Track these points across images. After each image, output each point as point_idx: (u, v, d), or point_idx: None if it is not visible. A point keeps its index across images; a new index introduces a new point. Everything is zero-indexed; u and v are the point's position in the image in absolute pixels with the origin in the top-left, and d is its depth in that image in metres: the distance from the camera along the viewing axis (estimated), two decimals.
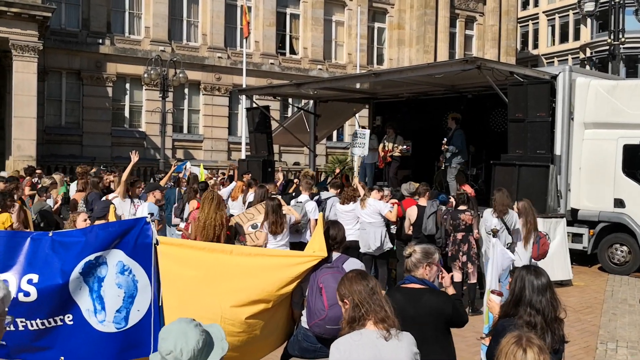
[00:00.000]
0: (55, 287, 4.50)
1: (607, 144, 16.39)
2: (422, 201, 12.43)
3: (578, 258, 17.05)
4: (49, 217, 13.35)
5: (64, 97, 35.12)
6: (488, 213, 12.32)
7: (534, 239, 11.23)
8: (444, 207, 13.12)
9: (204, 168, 26.22)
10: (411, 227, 12.40)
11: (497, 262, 7.64)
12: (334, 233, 6.02)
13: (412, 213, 12.31)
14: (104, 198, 12.71)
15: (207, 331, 3.57)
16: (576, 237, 16.88)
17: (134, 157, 13.08)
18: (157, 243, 4.81)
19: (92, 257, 4.60)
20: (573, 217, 16.82)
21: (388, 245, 12.83)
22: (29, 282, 4.46)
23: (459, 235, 12.27)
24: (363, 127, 22.95)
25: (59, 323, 4.59)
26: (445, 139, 18.21)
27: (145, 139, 36.42)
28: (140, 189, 13.25)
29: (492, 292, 5.93)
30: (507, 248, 11.71)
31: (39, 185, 16.07)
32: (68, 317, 4.60)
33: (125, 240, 4.72)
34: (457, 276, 12.55)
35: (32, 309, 4.46)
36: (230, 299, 5.05)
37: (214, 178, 23.36)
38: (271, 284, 5.24)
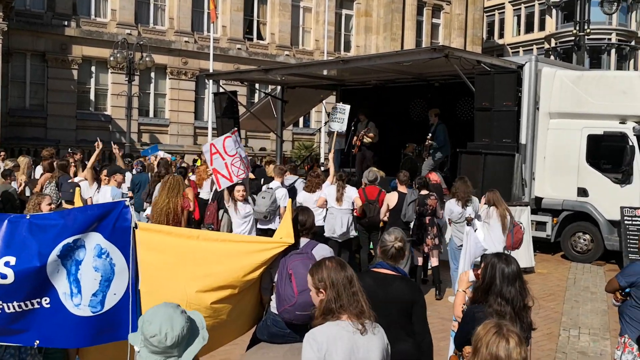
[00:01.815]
0: (33, 270, 4.47)
1: (572, 133, 16.65)
2: (402, 188, 12.51)
3: (541, 246, 17.31)
4: (13, 200, 13.23)
5: (28, 79, 34.61)
6: (452, 203, 12.48)
7: (509, 228, 11.39)
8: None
9: (169, 153, 26.08)
10: (387, 213, 12.47)
11: (470, 250, 7.76)
12: (303, 219, 6.05)
13: (391, 199, 12.38)
14: (69, 181, 12.66)
15: (192, 319, 3.62)
16: (540, 225, 17.13)
17: (98, 147, 13.04)
18: (135, 227, 4.82)
19: (70, 240, 4.58)
20: (537, 206, 17.08)
21: (353, 232, 12.87)
22: (6, 264, 4.41)
23: (426, 220, 12.43)
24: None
25: (36, 306, 4.56)
26: (430, 134, 18.29)
27: (110, 122, 36.07)
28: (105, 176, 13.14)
29: (473, 269, 6.00)
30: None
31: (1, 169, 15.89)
32: (45, 300, 4.57)
33: (104, 224, 4.70)
34: (420, 261, 12.75)
35: (9, 292, 4.43)
36: (195, 284, 5.05)
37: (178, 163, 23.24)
38: (237, 270, 5.24)
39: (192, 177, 16.22)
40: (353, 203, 12.62)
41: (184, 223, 10.56)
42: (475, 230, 11.60)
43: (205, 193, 14.96)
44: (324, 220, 12.76)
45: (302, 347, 4.13)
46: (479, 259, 11.88)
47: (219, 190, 11.80)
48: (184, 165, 18.42)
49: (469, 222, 9.29)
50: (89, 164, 13.37)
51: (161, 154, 23.95)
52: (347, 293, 4.16)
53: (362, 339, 4.09)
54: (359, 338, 4.08)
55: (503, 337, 3.45)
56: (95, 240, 4.68)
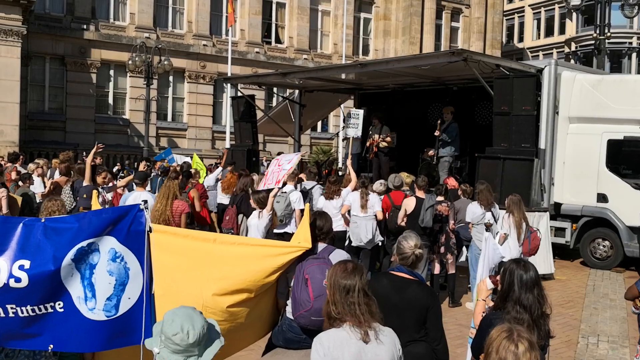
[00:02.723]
0: (47, 274, 4.45)
1: (592, 138, 16.48)
2: (420, 193, 12.41)
3: (560, 252, 17.16)
4: (31, 203, 13.30)
5: (47, 83, 34.90)
6: (475, 205, 12.38)
7: (525, 234, 11.28)
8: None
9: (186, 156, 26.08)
10: (405, 219, 12.38)
11: (488, 256, 7.67)
12: (320, 224, 6.00)
13: (409, 204, 12.28)
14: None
15: (209, 322, 3.62)
16: (559, 231, 16.98)
17: (97, 147, 13.08)
18: (150, 230, 4.79)
19: (84, 243, 4.56)
20: (556, 211, 16.92)
21: (379, 238, 12.81)
22: (21, 267, 4.40)
23: (436, 227, 12.31)
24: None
25: (50, 310, 4.54)
26: (439, 121, 18.20)
27: (129, 126, 36.26)
28: (105, 178, 13.12)
29: (490, 277, 5.93)
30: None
31: (21, 172, 15.99)
32: (59, 304, 4.55)
33: (119, 227, 4.68)
34: (437, 268, 12.61)
35: (23, 295, 4.41)
36: (212, 288, 5.02)
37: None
38: (254, 274, 5.21)
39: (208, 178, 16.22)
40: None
41: (183, 226, 10.61)
42: (496, 235, 11.54)
43: (226, 199, 14.99)
44: (344, 227, 12.75)
45: (311, 351, 4.14)
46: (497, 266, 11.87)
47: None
48: (191, 170, 18.45)
49: (488, 227, 9.20)
50: (87, 162, 13.39)
51: (178, 158, 23.88)
52: (343, 301, 4.15)
53: (370, 345, 4.07)
54: (366, 344, 4.06)
55: (513, 342, 3.42)
56: (109, 244, 4.66)
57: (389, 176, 14.88)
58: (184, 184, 13.66)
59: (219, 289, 5.06)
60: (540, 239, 12.26)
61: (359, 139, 19.03)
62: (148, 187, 12.62)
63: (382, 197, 13.10)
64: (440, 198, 12.50)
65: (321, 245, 5.90)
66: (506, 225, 11.40)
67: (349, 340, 4.06)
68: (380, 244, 13.00)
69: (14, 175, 15.35)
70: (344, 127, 17.78)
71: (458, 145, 18.35)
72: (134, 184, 12.92)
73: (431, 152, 18.80)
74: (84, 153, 25.06)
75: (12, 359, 4.85)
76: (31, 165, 15.96)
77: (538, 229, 12.42)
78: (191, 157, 24.27)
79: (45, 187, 15.10)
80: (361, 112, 16.64)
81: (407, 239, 5.46)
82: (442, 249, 12.30)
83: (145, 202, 4.79)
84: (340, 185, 13.35)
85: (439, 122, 18.21)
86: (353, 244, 12.61)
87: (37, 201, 13.84)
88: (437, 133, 18.08)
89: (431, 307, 5.27)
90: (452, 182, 16.18)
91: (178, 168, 19.25)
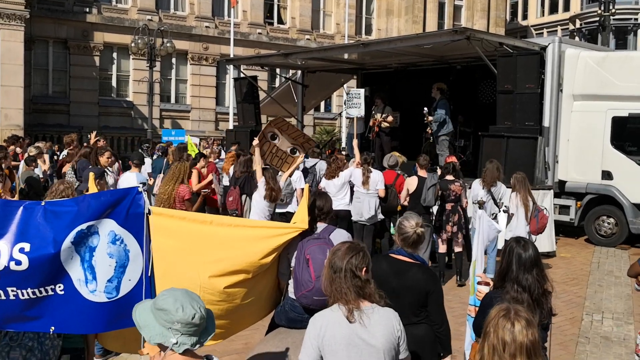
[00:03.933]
0: (47, 256, 4.47)
1: (596, 116, 16.42)
2: (422, 172, 12.39)
3: (565, 230, 17.17)
4: (37, 185, 13.32)
5: (50, 66, 34.84)
6: (476, 183, 12.41)
7: (532, 213, 11.25)
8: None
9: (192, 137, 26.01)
10: (407, 198, 12.37)
11: (483, 233, 7.66)
12: (320, 204, 6.01)
13: (411, 184, 12.26)
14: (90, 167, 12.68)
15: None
16: (563, 209, 16.96)
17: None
18: (149, 212, 4.80)
19: (84, 226, 4.57)
20: (560, 189, 16.90)
21: (380, 215, 12.84)
22: (21, 250, 4.41)
23: (448, 206, 12.29)
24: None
25: (50, 292, 4.56)
26: (425, 109, 18.20)
27: (132, 108, 36.26)
28: (109, 158, 13.08)
29: (479, 283, 5.92)
30: (493, 218, 11.84)
31: (24, 155, 15.99)
32: (59, 286, 4.57)
33: (118, 210, 4.69)
34: (442, 248, 12.61)
35: (23, 278, 4.43)
36: (208, 269, 5.05)
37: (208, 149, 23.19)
38: (250, 255, 5.22)
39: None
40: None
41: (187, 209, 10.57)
42: (499, 213, 11.52)
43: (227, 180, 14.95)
44: (347, 206, 12.75)
45: (305, 332, 4.22)
46: (499, 244, 11.86)
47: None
48: (204, 150, 18.37)
49: (481, 205, 9.21)
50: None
51: (191, 138, 23.70)
52: (332, 281, 4.18)
53: (362, 327, 4.09)
54: (359, 325, 4.08)
55: (510, 321, 3.42)
56: (109, 226, 4.67)
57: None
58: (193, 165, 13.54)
59: (216, 271, 5.08)
60: (548, 217, 12.26)
61: (362, 119, 19.00)
62: (148, 169, 12.55)
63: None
64: (450, 177, 12.48)
65: (321, 225, 5.92)
66: (513, 204, 11.39)
67: (341, 320, 4.09)
68: (380, 221, 13.01)
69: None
70: (346, 107, 17.71)
71: (450, 123, 18.27)
72: (130, 164, 12.91)
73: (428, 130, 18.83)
74: (88, 135, 25.16)
75: (17, 341, 4.87)
76: (32, 149, 15.93)
77: (545, 208, 12.41)
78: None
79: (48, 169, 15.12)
80: (362, 91, 16.58)
81: (408, 219, 5.44)
82: (455, 228, 12.27)
83: (144, 184, 4.80)
84: (340, 163, 13.34)
85: (424, 111, 18.20)
86: (353, 219, 12.64)
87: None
88: (429, 119, 18.09)
89: (432, 292, 5.25)
90: (453, 161, 16.16)
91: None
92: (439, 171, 13.63)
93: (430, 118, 18.18)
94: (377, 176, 12.69)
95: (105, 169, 12.28)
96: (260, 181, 10.87)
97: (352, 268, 4.17)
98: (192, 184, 12.06)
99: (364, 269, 4.20)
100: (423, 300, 5.23)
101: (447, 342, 5.33)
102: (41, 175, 14.38)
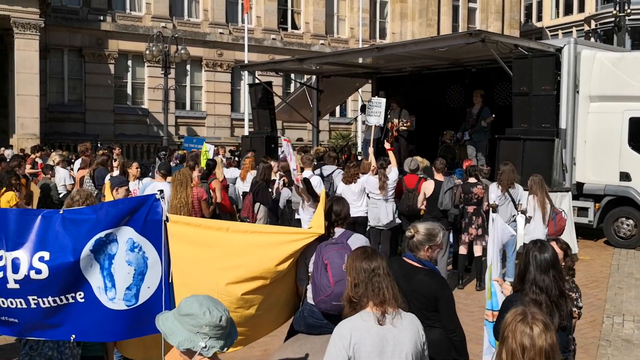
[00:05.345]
0: (67, 265, 4.50)
1: (613, 117, 16.30)
2: (439, 176, 12.35)
3: (584, 232, 17.03)
4: (50, 193, 13.42)
5: (66, 75, 35.05)
6: (494, 186, 12.36)
7: (550, 215, 11.18)
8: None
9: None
10: (425, 202, 12.33)
11: (497, 237, 7.62)
12: (338, 209, 5.99)
13: (428, 187, 12.23)
14: (108, 175, 12.70)
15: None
16: (582, 211, 16.82)
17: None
18: (167, 220, 4.80)
19: (102, 234, 4.60)
20: (578, 191, 16.77)
21: (398, 220, 12.80)
22: (41, 259, 4.46)
23: (471, 209, 12.24)
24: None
25: (70, 300, 4.60)
26: (474, 116, 18.22)
27: (148, 116, 36.39)
28: (138, 168, 13.09)
29: (501, 284, 5.90)
30: (512, 221, 11.79)
31: (42, 164, 16.09)
32: (79, 294, 4.60)
33: (136, 217, 4.71)
34: (463, 249, 12.57)
35: (44, 287, 4.47)
36: (226, 276, 5.05)
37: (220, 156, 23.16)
38: (267, 261, 5.22)
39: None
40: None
41: (206, 213, 10.56)
42: (518, 214, 11.43)
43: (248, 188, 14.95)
44: (365, 212, 12.71)
45: (330, 340, 4.13)
46: (517, 247, 11.81)
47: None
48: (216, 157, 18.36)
49: (494, 209, 9.19)
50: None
51: (209, 147, 23.65)
52: (366, 281, 4.15)
53: (392, 331, 4.06)
54: (387, 330, 4.05)
55: (527, 325, 3.39)
56: (127, 234, 4.69)
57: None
58: (207, 174, 13.52)
59: (233, 277, 5.08)
60: (566, 220, 12.17)
61: (379, 125, 19.00)
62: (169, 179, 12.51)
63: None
64: (472, 180, 12.44)
65: (339, 230, 5.90)
66: (530, 206, 11.33)
67: (370, 326, 4.05)
68: (397, 225, 12.96)
69: (28, 169, 15.43)
70: (366, 114, 17.67)
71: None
72: (156, 173, 12.89)
73: (449, 135, 18.79)
74: (99, 144, 25.30)
75: (37, 350, 4.89)
76: (56, 156, 16.03)
77: (563, 210, 12.32)
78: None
79: (72, 179, 15.17)
80: (383, 100, 16.53)
81: (411, 227, 5.45)
82: (480, 231, 12.21)
83: (161, 191, 4.79)
84: (358, 169, 13.30)
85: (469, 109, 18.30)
86: (370, 224, 12.60)
87: (60, 193, 13.95)
88: (484, 124, 18.19)
89: (440, 298, 5.22)
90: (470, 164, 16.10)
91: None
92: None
93: (485, 124, 18.22)
94: (392, 176, 12.63)
95: (138, 180, 12.32)
96: None
97: (386, 268, 4.22)
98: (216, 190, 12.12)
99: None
100: (433, 305, 5.21)
101: (462, 348, 5.29)
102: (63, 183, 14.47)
